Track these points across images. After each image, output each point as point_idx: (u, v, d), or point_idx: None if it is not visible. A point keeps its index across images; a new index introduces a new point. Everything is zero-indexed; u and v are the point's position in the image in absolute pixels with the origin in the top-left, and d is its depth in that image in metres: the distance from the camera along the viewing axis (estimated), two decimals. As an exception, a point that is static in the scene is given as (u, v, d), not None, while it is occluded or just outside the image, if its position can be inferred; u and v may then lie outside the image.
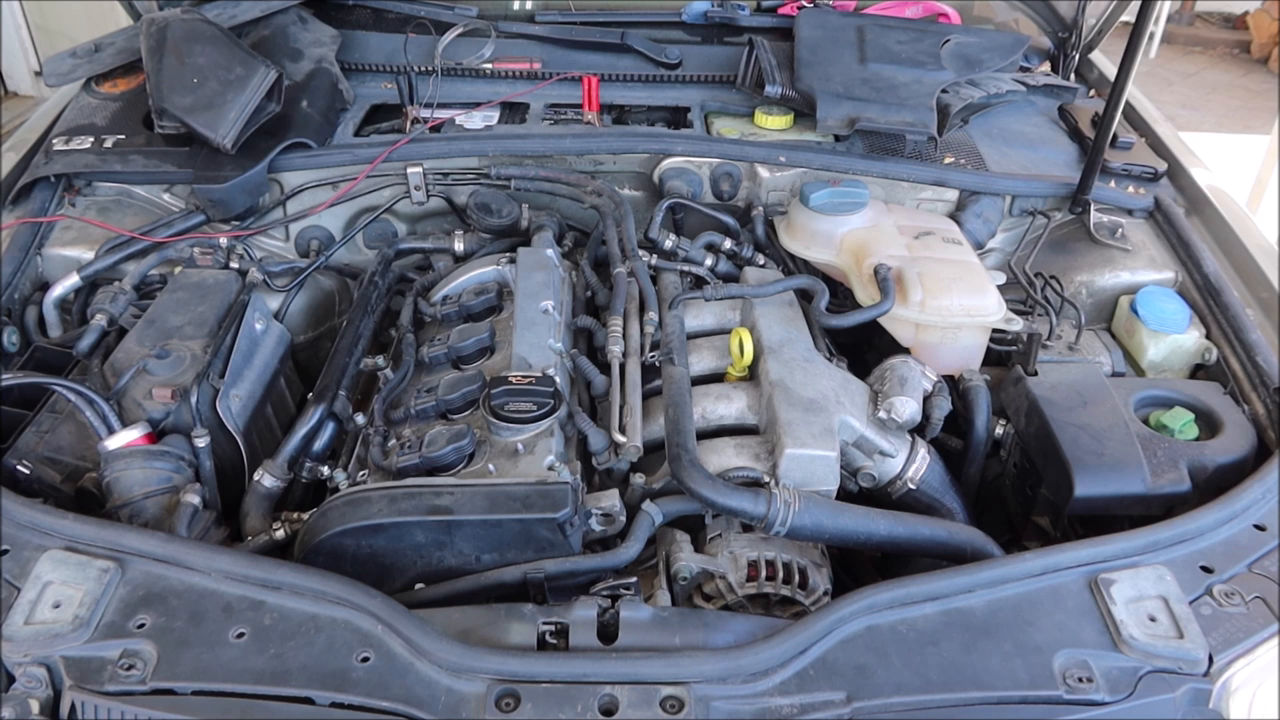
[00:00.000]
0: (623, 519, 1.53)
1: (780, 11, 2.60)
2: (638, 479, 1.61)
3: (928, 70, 2.32)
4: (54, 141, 2.18)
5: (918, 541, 1.52)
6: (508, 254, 2.06)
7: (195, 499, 1.54)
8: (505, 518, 1.43)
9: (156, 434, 1.64)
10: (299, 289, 2.14)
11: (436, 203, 2.28)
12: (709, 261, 2.08)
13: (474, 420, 1.65)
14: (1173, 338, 1.91)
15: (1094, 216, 2.16)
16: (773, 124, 2.34)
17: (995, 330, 1.86)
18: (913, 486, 1.69)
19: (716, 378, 1.79)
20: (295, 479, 1.69)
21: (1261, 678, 1.23)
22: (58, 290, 1.97)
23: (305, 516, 1.56)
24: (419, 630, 1.23)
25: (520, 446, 1.57)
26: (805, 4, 2.61)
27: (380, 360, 1.87)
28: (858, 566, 1.82)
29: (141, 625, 1.24)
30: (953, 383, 1.84)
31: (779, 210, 2.22)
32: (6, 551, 1.34)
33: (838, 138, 2.27)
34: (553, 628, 1.29)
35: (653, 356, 1.79)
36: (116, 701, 1.17)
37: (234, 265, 2.05)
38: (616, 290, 1.89)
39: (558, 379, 1.66)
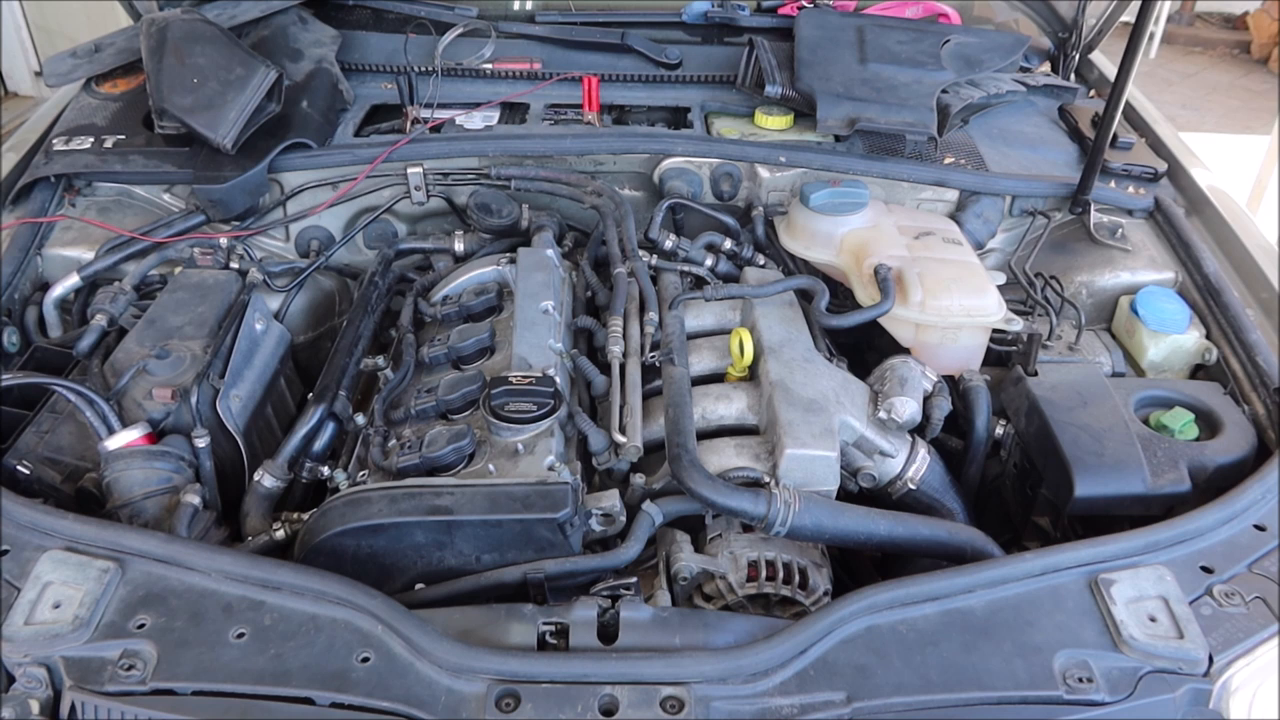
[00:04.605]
0: (623, 519, 1.53)
1: (780, 11, 2.60)
2: (638, 479, 1.61)
3: (928, 70, 2.32)
4: (54, 141, 2.18)
5: (918, 541, 1.52)
6: (508, 254, 2.05)
7: (195, 499, 1.54)
8: (505, 518, 1.43)
9: (156, 434, 1.64)
10: (299, 289, 2.14)
11: (436, 203, 2.28)
12: (709, 262, 2.08)
13: (474, 420, 1.65)
14: (1173, 338, 1.91)
15: (1094, 217, 2.16)
16: (773, 124, 2.34)
17: (995, 330, 1.86)
18: (913, 487, 1.69)
19: (716, 378, 1.79)
20: (295, 479, 1.69)
21: (1261, 678, 1.23)
22: (58, 290, 1.97)
23: (305, 517, 1.56)
24: (419, 630, 1.23)
25: (520, 447, 1.57)
26: (805, 4, 2.61)
27: (380, 360, 1.87)
28: (858, 566, 1.82)
29: (141, 625, 1.24)
30: (953, 383, 1.84)
31: (779, 210, 2.22)
32: (6, 551, 1.34)
33: (838, 138, 2.27)
34: (553, 628, 1.29)
35: (653, 357, 1.79)
36: (116, 702, 1.17)
37: (234, 265, 2.05)
38: (616, 290, 1.89)
39: (558, 379, 1.66)
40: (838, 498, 1.56)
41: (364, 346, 1.93)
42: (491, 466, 1.55)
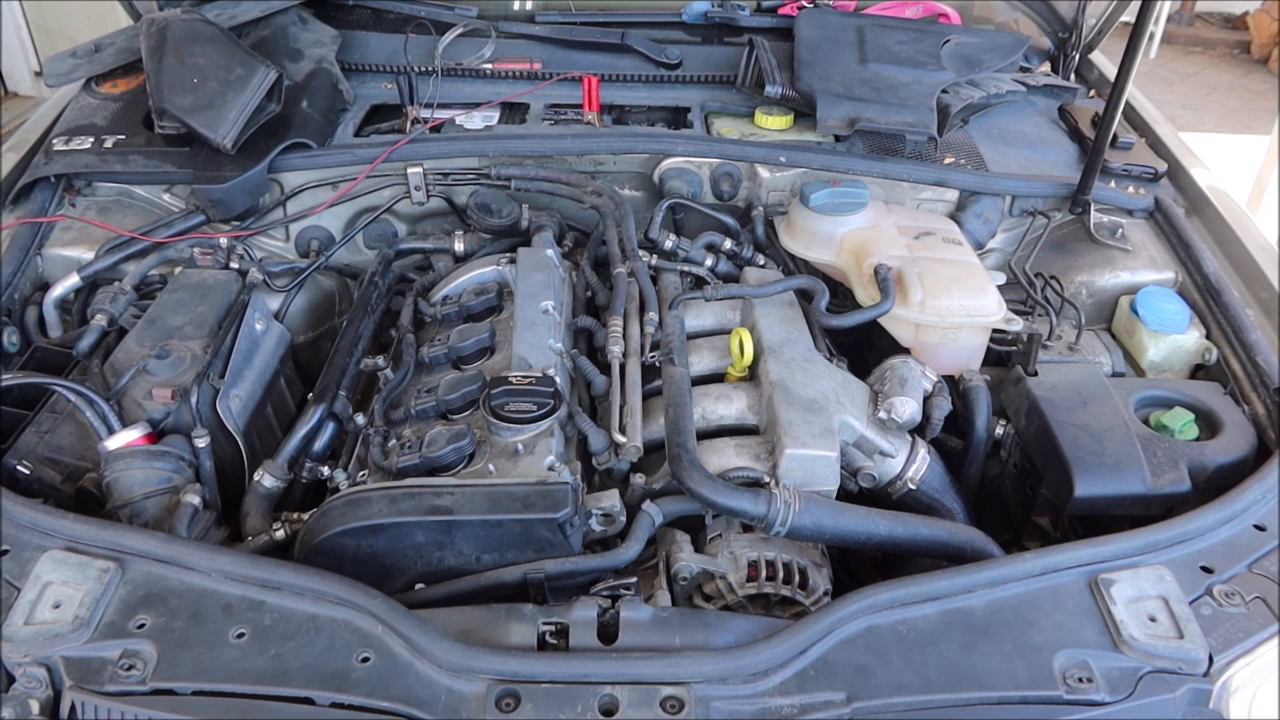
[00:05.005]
0: (623, 519, 1.53)
1: (780, 11, 2.60)
2: (638, 479, 1.61)
3: (928, 70, 2.32)
4: (54, 141, 2.18)
5: (918, 541, 1.52)
6: (508, 254, 2.05)
7: (195, 499, 1.54)
8: (505, 518, 1.43)
9: (156, 434, 1.64)
10: (299, 289, 2.14)
11: (436, 203, 2.28)
12: (709, 262, 2.08)
13: (474, 420, 1.65)
14: (1173, 338, 1.91)
15: (1094, 217, 2.16)
16: (773, 124, 2.34)
17: (995, 330, 1.86)
18: (913, 487, 1.69)
19: (716, 378, 1.79)
20: (295, 479, 1.69)
21: (1261, 678, 1.23)
22: (58, 290, 1.97)
23: (305, 517, 1.56)
24: (419, 630, 1.23)
25: (520, 447, 1.57)
26: (805, 4, 2.61)
27: (380, 360, 1.87)
28: (858, 566, 1.82)
29: (141, 625, 1.24)
30: (953, 383, 1.84)
31: (779, 210, 2.22)
32: (6, 551, 1.34)
33: (838, 138, 2.27)
34: (553, 628, 1.29)
35: (653, 357, 1.79)
36: (116, 702, 1.17)
37: (234, 265, 2.05)
38: (616, 290, 1.89)
39: (558, 379, 1.66)
40: (838, 498, 1.56)
41: (364, 346, 1.93)
42: (491, 466, 1.55)
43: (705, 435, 1.65)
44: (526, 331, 1.78)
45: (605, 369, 1.77)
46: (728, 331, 1.82)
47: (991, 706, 1.19)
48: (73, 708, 1.18)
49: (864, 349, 2.05)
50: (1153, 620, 1.27)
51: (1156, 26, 6.91)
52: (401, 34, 2.53)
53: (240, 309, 1.86)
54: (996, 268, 2.16)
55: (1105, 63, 2.77)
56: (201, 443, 1.63)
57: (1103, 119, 2.06)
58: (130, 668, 1.19)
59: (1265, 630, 1.27)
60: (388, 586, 1.43)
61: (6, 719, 1.16)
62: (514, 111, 2.45)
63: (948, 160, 2.23)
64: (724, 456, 1.59)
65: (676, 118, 2.48)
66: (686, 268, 2.05)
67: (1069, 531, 1.68)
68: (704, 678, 1.19)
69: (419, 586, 1.47)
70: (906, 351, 1.85)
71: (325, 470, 1.68)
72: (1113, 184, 2.22)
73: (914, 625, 1.27)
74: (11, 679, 1.20)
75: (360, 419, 1.75)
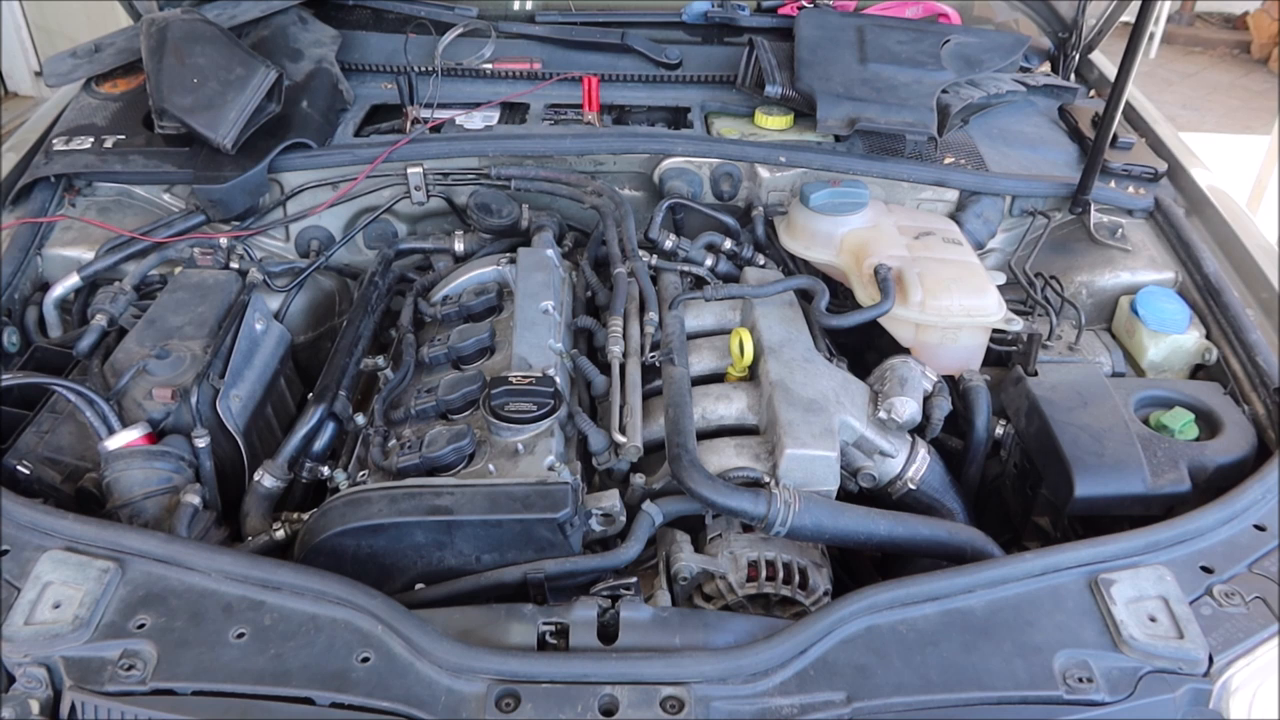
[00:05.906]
0: (623, 519, 1.53)
1: (780, 11, 2.61)
2: (638, 479, 1.61)
3: (928, 70, 2.32)
4: (54, 141, 2.18)
5: (918, 541, 1.52)
6: (508, 254, 2.06)
7: (195, 499, 1.54)
8: (505, 518, 1.43)
9: (156, 434, 1.64)
10: (299, 289, 2.14)
11: (437, 203, 2.28)
12: (709, 262, 2.08)
13: (474, 420, 1.65)
14: (1173, 338, 1.91)
15: (1094, 217, 2.16)
16: (773, 124, 2.34)
17: (995, 330, 1.86)
18: (913, 487, 1.69)
19: (716, 378, 1.79)
20: (295, 479, 1.69)
21: (1261, 678, 1.23)
22: (58, 290, 1.97)
23: (305, 517, 1.56)
24: (419, 630, 1.23)
25: (520, 447, 1.57)
26: (805, 4, 2.61)
27: (380, 360, 1.87)
28: (858, 566, 1.82)
29: (141, 625, 1.24)
30: (953, 383, 1.84)
31: (779, 210, 2.22)
32: (6, 551, 1.34)
33: (838, 138, 2.27)
34: (553, 628, 1.29)
35: (653, 357, 1.79)
36: (116, 702, 1.17)
37: (234, 265, 2.05)
38: (616, 290, 1.89)
39: (558, 379, 1.66)
40: (838, 498, 1.56)
41: (364, 346, 1.93)
42: (491, 466, 1.55)
43: (705, 435, 1.65)
44: (526, 331, 1.79)
45: (605, 369, 1.77)
46: (728, 331, 1.82)
47: (991, 706, 1.19)
48: (73, 708, 1.18)
49: (864, 349, 2.05)
50: (1153, 620, 1.27)
51: (1156, 26, 6.91)
52: (401, 34, 2.53)
53: (240, 309, 1.86)
54: (996, 268, 2.16)
55: (1105, 63, 2.77)
56: (201, 443, 1.63)
57: (1103, 119, 2.06)
58: (130, 668, 1.19)
59: (1265, 630, 1.27)
60: (388, 586, 1.43)
61: (6, 719, 1.16)
62: (514, 111, 2.45)
63: (948, 160, 2.23)
64: (724, 456, 1.59)
65: (676, 118, 2.48)
66: (686, 268, 2.05)
67: (1069, 531, 1.68)
68: (704, 678, 1.19)
69: (419, 586, 1.47)
70: (906, 351, 1.85)
71: (325, 470, 1.68)
72: (1113, 184, 2.22)
73: (914, 625, 1.27)
74: (11, 679, 1.20)
75: (360, 419, 1.75)
